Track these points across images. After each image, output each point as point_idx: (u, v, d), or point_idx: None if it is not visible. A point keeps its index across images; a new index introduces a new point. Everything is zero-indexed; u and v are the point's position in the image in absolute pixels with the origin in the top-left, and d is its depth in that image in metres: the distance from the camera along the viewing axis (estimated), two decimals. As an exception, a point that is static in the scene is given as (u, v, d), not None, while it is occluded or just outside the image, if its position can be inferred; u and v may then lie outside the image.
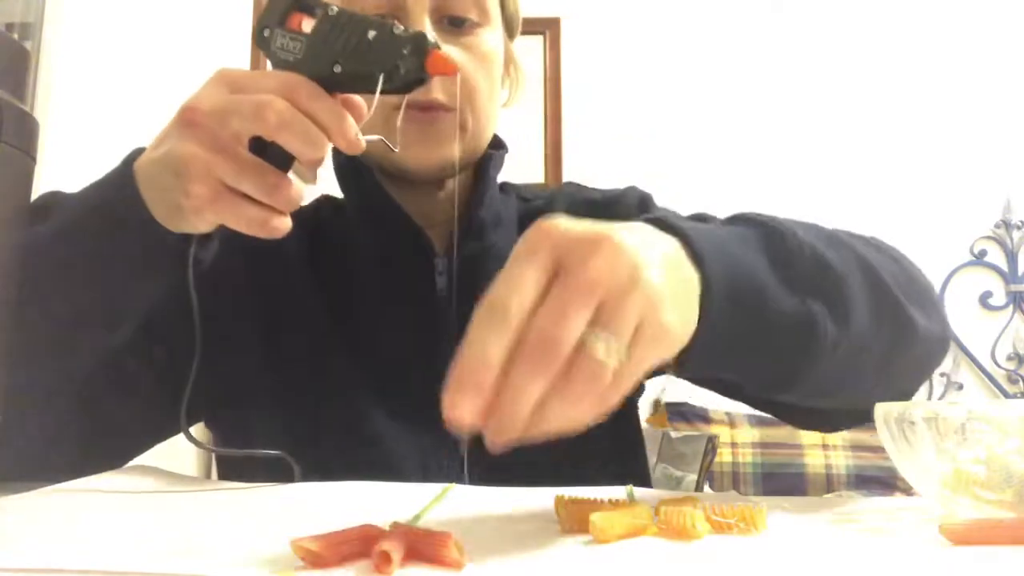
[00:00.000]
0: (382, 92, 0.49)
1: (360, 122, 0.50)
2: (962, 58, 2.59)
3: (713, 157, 2.57)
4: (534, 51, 2.59)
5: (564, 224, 0.38)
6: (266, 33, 0.51)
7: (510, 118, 0.83)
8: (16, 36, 0.89)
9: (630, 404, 0.80)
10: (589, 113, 2.57)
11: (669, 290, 0.39)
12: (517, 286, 0.36)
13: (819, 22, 2.63)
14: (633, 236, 0.39)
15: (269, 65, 0.53)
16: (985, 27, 2.60)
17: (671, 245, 0.43)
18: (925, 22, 2.61)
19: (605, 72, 2.62)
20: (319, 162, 0.50)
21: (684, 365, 0.44)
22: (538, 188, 0.89)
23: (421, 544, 0.32)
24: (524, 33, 0.83)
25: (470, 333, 0.36)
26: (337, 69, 0.49)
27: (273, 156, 0.49)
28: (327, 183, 0.82)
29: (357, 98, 0.51)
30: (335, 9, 0.50)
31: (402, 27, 0.49)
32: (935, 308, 0.60)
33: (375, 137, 0.52)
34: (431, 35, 0.49)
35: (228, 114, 0.48)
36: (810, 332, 0.49)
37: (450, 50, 0.69)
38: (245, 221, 0.49)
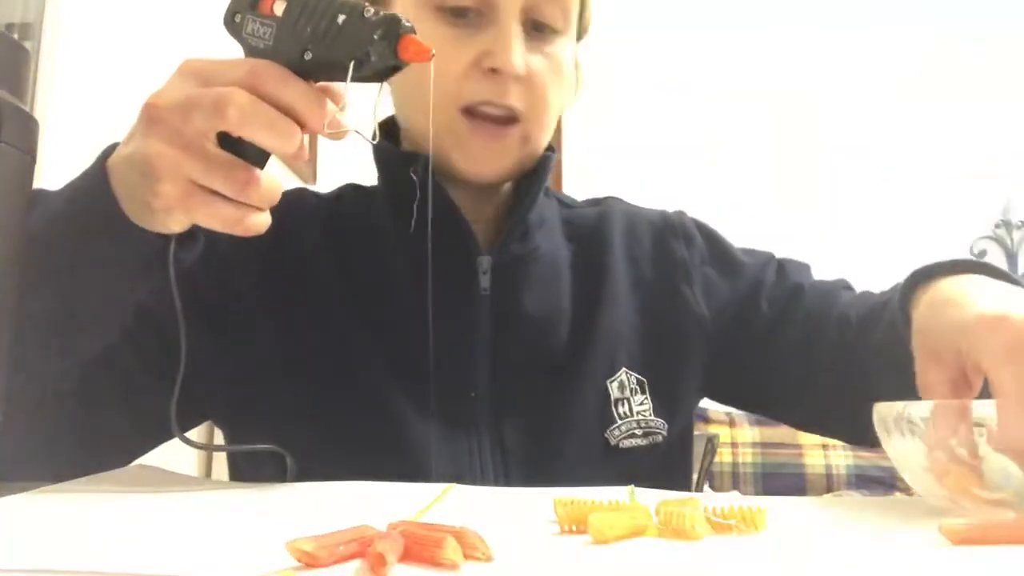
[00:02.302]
0: (355, 80, 0.45)
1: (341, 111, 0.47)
2: (962, 58, 2.59)
3: (712, 159, 2.57)
4: (534, 51, 2.58)
5: None
6: (237, 19, 0.48)
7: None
8: (16, 36, 0.89)
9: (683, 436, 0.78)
10: (589, 113, 2.57)
11: None
12: None
13: (818, 23, 2.63)
14: None
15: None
16: (985, 27, 2.60)
17: None
18: (924, 22, 2.61)
19: (605, 72, 2.61)
20: (299, 155, 0.47)
21: None
22: (569, 197, 0.88)
23: (417, 545, 0.32)
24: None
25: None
26: (307, 56, 0.45)
27: (248, 150, 0.46)
28: (342, 175, 0.82)
29: (338, 87, 0.48)
30: None
31: (372, 10, 0.45)
32: None
33: (350, 128, 0.48)
34: (405, 18, 0.45)
35: (190, 109, 0.45)
36: None
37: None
38: (219, 220, 0.47)
